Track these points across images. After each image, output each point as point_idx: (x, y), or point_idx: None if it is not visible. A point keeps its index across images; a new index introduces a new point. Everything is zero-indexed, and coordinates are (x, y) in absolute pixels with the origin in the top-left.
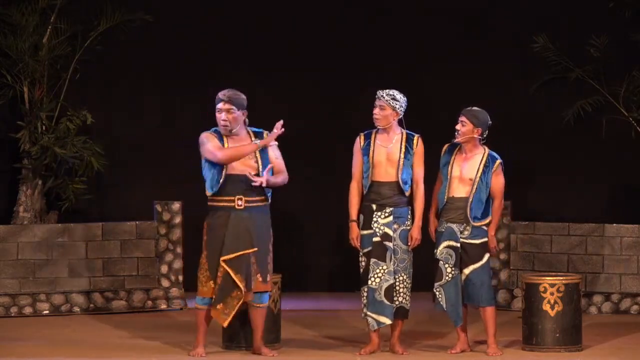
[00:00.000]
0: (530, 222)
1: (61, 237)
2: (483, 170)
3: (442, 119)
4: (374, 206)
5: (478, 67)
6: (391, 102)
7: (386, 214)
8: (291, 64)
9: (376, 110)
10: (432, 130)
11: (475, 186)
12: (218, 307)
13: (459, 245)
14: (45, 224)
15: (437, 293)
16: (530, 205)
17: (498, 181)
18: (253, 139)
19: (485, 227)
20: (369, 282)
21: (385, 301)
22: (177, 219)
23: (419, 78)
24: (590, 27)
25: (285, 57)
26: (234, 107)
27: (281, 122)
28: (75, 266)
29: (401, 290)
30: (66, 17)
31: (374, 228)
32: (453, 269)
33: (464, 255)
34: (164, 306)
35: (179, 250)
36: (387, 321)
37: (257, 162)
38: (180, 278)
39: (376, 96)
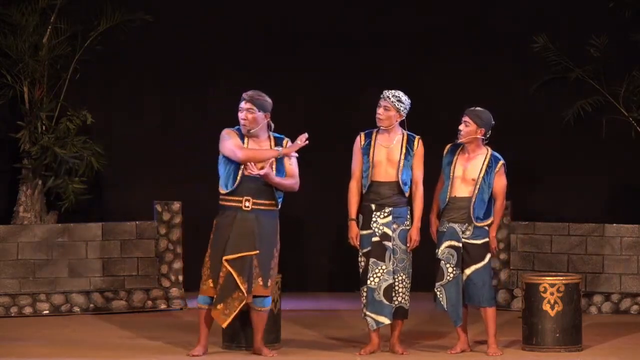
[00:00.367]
0: (530, 222)
1: (61, 237)
2: (486, 170)
3: (442, 119)
4: (373, 206)
5: (478, 67)
6: (396, 104)
7: (385, 214)
8: (291, 64)
9: (380, 110)
10: (431, 130)
11: (477, 186)
12: (218, 307)
13: (460, 245)
14: (45, 224)
15: (438, 293)
16: (530, 205)
17: (500, 182)
18: (273, 144)
19: (487, 228)
20: (368, 282)
21: (385, 301)
22: (177, 219)
23: (419, 78)
24: (590, 27)
25: (285, 57)
26: (254, 108)
27: (305, 135)
28: (75, 266)
29: (400, 290)
30: (66, 17)
31: (373, 228)
32: (454, 269)
33: (466, 256)
34: (164, 306)
35: (179, 250)
36: (386, 321)
37: (271, 165)
38: (180, 278)
39: (381, 96)
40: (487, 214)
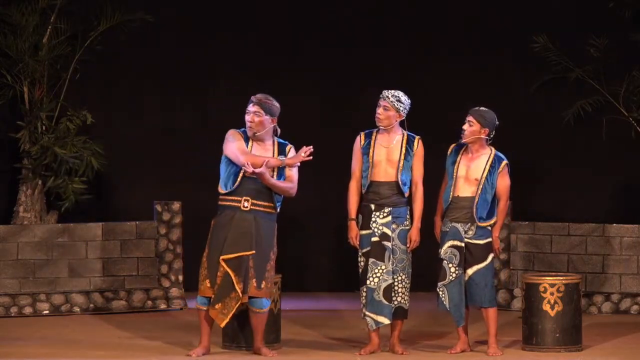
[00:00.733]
0: (530, 222)
1: (61, 237)
2: (489, 170)
3: (442, 119)
4: (373, 206)
5: (478, 67)
6: (396, 104)
7: (385, 214)
8: (291, 64)
9: (379, 110)
10: (432, 130)
11: (480, 186)
12: (217, 306)
13: (463, 245)
14: (45, 224)
15: (441, 293)
16: (531, 205)
17: (504, 182)
18: (277, 149)
19: (489, 228)
20: (368, 282)
21: (384, 301)
22: (177, 219)
23: (419, 78)
24: (590, 27)
25: (285, 57)
26: (262, 111)
27: (310, 149)
28: (75, 266)
29: (400, 290)
30: (66, 17)
31: (372, 228)
32: (457, 268)
33: (468, 256)
34: (164, 306)
35: (179, 250)
36: (386, 321)
37: (273, 170)
38: (180, 278)
39: (381, 96)
40: (490, 214)
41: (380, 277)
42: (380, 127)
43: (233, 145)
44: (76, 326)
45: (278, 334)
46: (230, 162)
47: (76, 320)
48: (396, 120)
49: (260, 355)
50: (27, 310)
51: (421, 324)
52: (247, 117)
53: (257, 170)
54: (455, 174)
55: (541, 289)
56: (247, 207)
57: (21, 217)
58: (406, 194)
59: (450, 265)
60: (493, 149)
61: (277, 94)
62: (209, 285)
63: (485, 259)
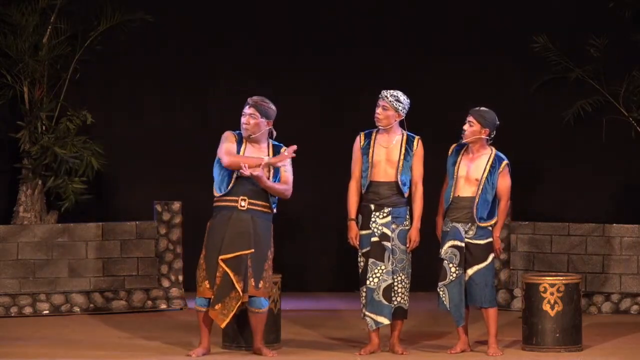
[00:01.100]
0: (530, 222)
1: (61, 237)
2: (489, 170)
3: (442, 119)
4: (373, 206)
5: (478, 67)
6: (394, 104)
7: (384, 214)
8: (291, 64)
9: (378, 110)
10: (431, 130)
11: (481, 186)
12: (216, 307)
13: (463, 245)
14: (45, 224)
15: (441, 293)
16: (531, 205)
17: (504, 182)
18: (271, 151)
19: (490, 228)
20: (367, 282)
21: (384, 301)
22: (177, 219)
23: (419, 78)
24: (590, 27)
25: (285, 57)
26: (257, 114)
27: (294, 147)
28: (75, 266)
29: (399, 290)
30: (66, 17)
31: (372, 228)
32: (457, 268)
33: (468, 256)
34: (164, 306)
35: (179, 250)
36: (386, 321)
37: (269, 170)
38: (180, 278)
39: (379, 96)
40: (490, 214)
41: (380, 278)
42: (380, 127)
43: (221, 146)
44: (76, 326)
45: (278, 334)
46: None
47: (76, 320)
48: (395, 120)
49: (260, 355)
50: (27, 310)
51: (421, 324)
52: (243, 119)
53: (253, 173)
54: (455, 174)
55: (541, 289)
56: (244, 206)
57: (21, 217)
58: (406, 194)
59: (451, 265)
60: (493, 149)
61: (277, 94)
62: (208, 286)
63: (485, 259)
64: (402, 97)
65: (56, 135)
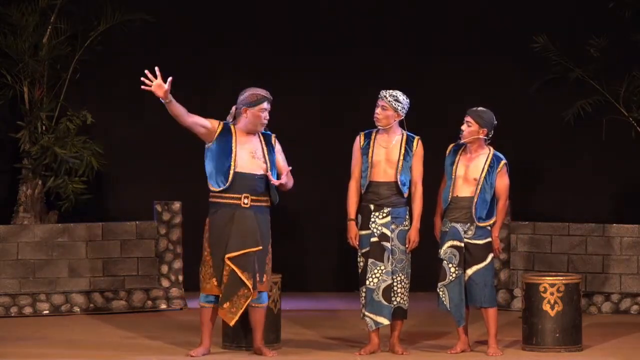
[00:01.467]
0: (530, 222)
1: (61, 237)
2: (488, 170)
3: (442, 119)
4: (372, 206)
5: (478, 67)
6: (393, 104)
7: (384, 214)
8: (291, 64)
9: (378, 110)
10: (431, 130)
11: (479, 186)
12: (225, 306)
13: (462, 245)
14: (45, 224)
15: (441, 293)
16: (531, 205)
17: (502, 182)
18: (263, 140)
19: (489, 228)
20: (367, 282)
21: (383, 301)
22: (177, 219)
23: (419, 78)
24: (590, 27)
25: (285, 57)
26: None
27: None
28: (75, 266)
29: (399, 290)
30: (66, 17)
31: (371, 228)
32: (457, 269)
33: (468, 256)
34: (164, 306)
35: (179, 250)
36: (385, 321)
37: (265, 162)
38: (180, 278)
39: (379, 96)
40: (489, 214)
41: (380, 278)
42: (379, 127)
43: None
44: (76, 326)
45: (278, 334)
46: (214, 156)
47: (76, 320)
48: (395, 120)
49: (261, 355)
50: (27, 310)
51: (421, 324)
52: (264, 115)
53: (277, 182)
54: (454, 174)
55: (541, 289)
56: (247, 203)
57: (21, 217)
58: (405, 195)
59: (450, 265)
60: (492, 148)
61: (277, 94)
62: (216, 283)
63: (484, 259)
64: (402, 97)
65: (56, 135)
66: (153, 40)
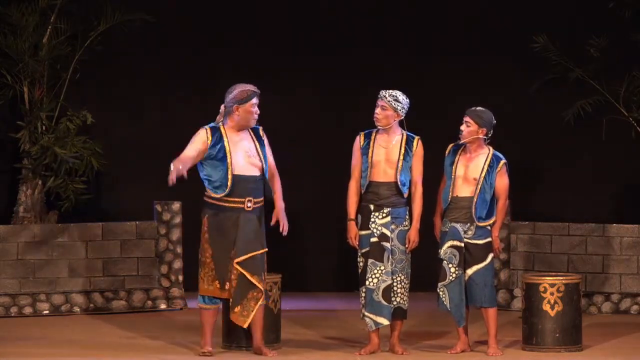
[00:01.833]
0: (530, 222)
1: (61, 237)
2: (487, 170)
3: (442, 119)
4: (372, 206)
5: (478, 67)
6: (393, 104)
7: (384, 215)
8: (291, 64)
9: (377, 110)
10: (431, 130)
11: (479, 186)
12: (236, 310)
13: (462, 245)
14: (45, 224)
15: (441, 293)
16: (531, 205)
17: (502, 181)
18: (252, 134)
19: (489, 228)
20: (367, 282)
21: (383, 302)
22: (177, 219)
23: (419, 78)
24: (590, 27)
25: (285, 57)
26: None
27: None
28: (75, 266)
29: (399, 290)
30: (66, 17)
31: (371, 228)
32: (457, 269)
33: (468, 256)
34: (164, 306)
35: (179, 250)
36: (385, 322)
37: (260, 160)
38: (180, 278)
39: (378, 96)
40: (489, 214)
41: (379, 278)
42: (379, 127)
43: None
44: (76, 326)
45: (278, 334)
46: (211, 163)
47: (76, 320)
48: (394, 120)
49: (261, 355)
50: (27, 310)
51: (421, 324)
52: (256, 110)
53: (285, 232)
54: (453, 174)
55: (541, 289)
56: (250, 207)
57: (21, 217)
58: (405, 195)
59: (450, 265)
60: (491, 148)
61: (277, 94)
62: (218, 286)
63: (484, 259)
64: (401, 97)
65: (56, 135)
66: (153, 40)
